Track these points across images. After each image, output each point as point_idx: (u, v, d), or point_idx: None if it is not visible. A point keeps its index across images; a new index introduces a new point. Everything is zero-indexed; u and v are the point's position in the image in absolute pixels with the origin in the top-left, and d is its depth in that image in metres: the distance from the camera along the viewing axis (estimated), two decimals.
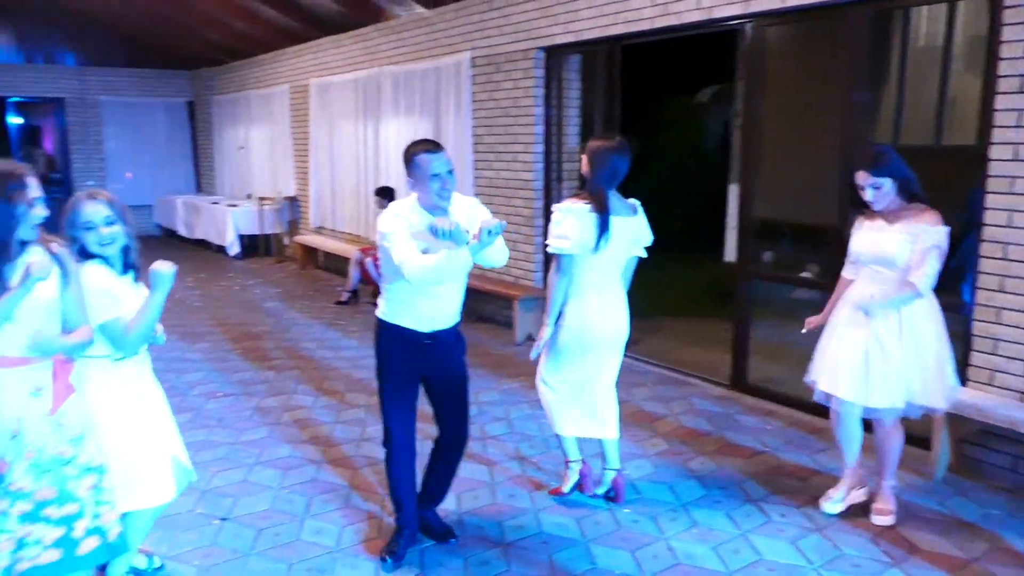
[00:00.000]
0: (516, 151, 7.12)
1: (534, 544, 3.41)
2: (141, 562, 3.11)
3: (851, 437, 3.56)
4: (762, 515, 3.65)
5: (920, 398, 3.42)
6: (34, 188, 2.42)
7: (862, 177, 3.35)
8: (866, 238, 3.44)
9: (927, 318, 3.39)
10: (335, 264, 10.06)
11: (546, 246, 3.67)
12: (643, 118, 15.80)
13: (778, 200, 6.19)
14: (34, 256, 2.37)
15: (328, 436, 4.61)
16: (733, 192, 6.08)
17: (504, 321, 7.27)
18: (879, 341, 3.36)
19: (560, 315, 3.60)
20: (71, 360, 2.48)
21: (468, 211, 3.16)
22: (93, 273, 2.64)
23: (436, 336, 3.18)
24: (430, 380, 3.29)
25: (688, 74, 14.51)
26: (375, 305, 3.33)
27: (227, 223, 11.54)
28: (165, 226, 14.15)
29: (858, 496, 3.70)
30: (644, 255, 3.72)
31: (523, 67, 6.94)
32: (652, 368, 6.05)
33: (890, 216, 3.37)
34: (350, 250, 9.00)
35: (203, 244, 12.60)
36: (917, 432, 3.98)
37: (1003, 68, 3.90)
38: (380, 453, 4.06)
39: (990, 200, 3.99)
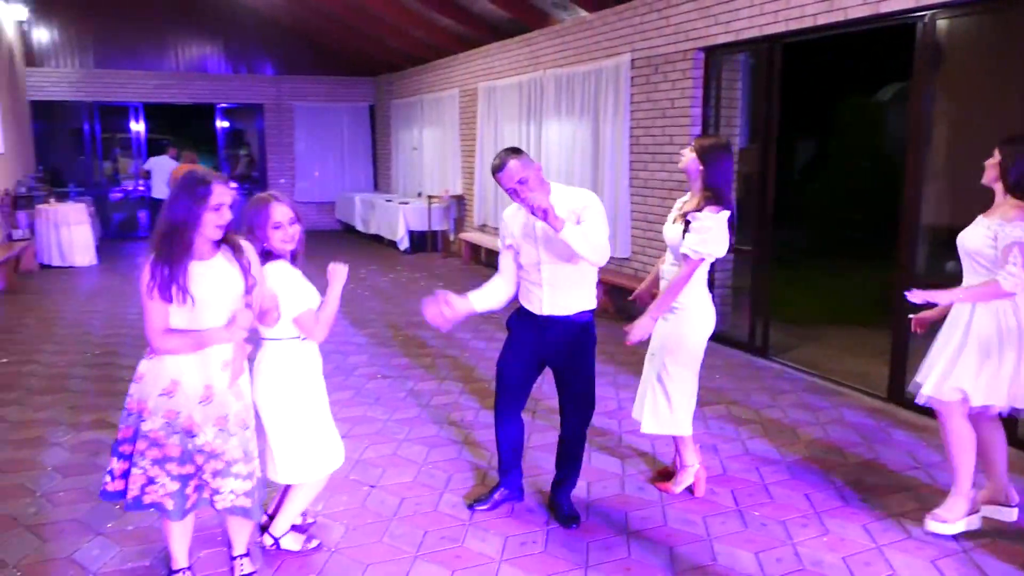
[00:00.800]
0: (671, 152, 7.11)
1: (657, 535, 3.47)
2: (298, 519, 3.48)
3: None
4: (902, 531, 3.50)
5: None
6: (220, 194, 2.71)
7: (996, 150, 3.27)
8: (965, 231, 3.34)
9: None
10: (496, 261, 10.43)
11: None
12: (818, 119, 15.14)
13: (960, 206, 5.80)
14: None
15: (472, 420, 4.88)
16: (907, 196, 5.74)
17: None
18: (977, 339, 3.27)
19: (681, 311, 3.66)
20: (246, 347, 2.85)
21: (570, 203, 3.29)
22: (281, 271, 3.02)
23: (549, 320, 3.41)
24: (550, 365, 3.51)
25: (868, 72, 13.76)
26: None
27: (399, 219, 12.27)
28: (344, 221, 15.24)
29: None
30: None
31: (682, 68, 6.93)
32: (803, 376, 5.87)
33: (988, 210, 3.29)
34: None
35: (377, 239, 13.46)
36: None
37: None
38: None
39: None
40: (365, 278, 10.12)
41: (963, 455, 3.41)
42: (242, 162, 17.25)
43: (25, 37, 13.50)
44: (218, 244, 2.77)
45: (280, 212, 3.00)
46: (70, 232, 11.14)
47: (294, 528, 3.36)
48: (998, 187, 3.30)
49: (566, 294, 3.40)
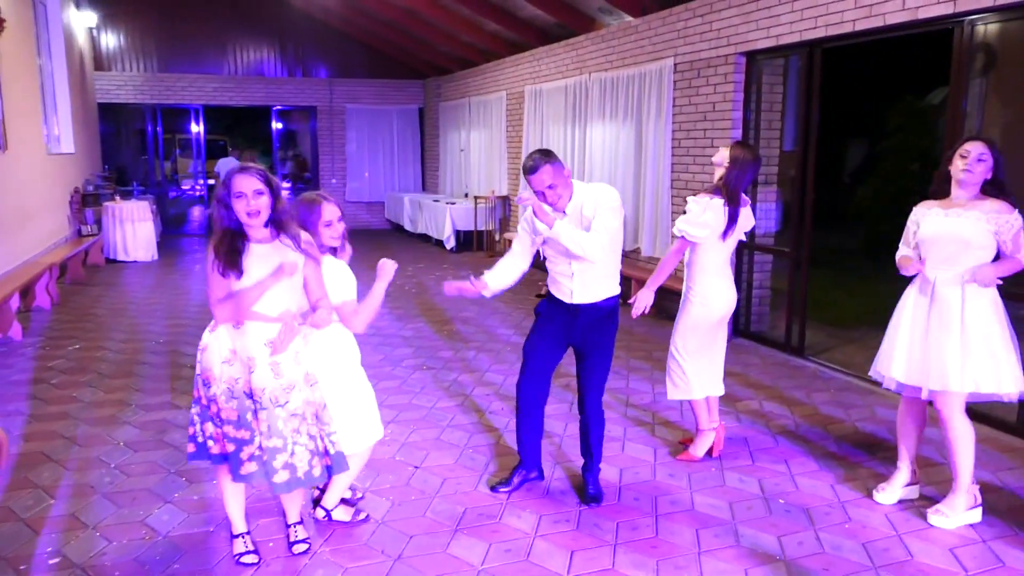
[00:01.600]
0: (712, 155, 7.23)
1: (684, 518, 3.65)
2: (347, 493, 3.75)
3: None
4: (923, 521, 3.62)
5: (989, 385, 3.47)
6: (327, 212, 3.22)
7: (979, 147, 3.47)
8: (944, 223, 3.53)
9: (992, 306, 3.51)
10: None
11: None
12: (870, 122, 15.00)
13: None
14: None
15: (512, 409, 5.10)
16: None
17: None
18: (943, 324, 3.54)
19: (689, 292, 4.13)
20: (297, 328, 3.09)
21: (590, 201, 3.57)
22: (328, 262, 3.29)
23: (579, 308, 3.67)
24: (575, 346, 3.78)
25: (920, 75, 13.61)
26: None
27: (446, 219, 12.58)
28: (393, 221, 15.62)
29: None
30: (745, 240, 4.47)
31: (723, 72, 7.06)
32: (838, 375, 5.97)
33: (967, 204, 3.51)
34: None
35: (424, 238, 13.80)
36: None
37: None
38: (554, 429, 4.51)
39: None
40: (412, 275, 10.43)
41: (966, 449, 3.56)
42: (292, 163, 17.79)
43: (94, 42, 14.18)
44: (277, 233, 3.04)
45: (329, 211, 3.27)
46: (134, 229, 11.70)
47: (344, 502, 3.63)
48: (976, 184, 3.53)
49: (595, 283, 3.65)
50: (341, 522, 3.55)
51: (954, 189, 3.57)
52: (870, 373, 3.94)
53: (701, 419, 4.28)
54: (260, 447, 3.04)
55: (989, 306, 3.51)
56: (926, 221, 3.61)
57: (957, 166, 3.51)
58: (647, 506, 3.78)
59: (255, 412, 3.02)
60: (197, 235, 15.09)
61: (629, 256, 8.92)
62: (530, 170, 3.51)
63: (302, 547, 3.32)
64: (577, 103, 9.78)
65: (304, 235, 3.12)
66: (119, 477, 4.07)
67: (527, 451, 3.91)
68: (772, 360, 6.43)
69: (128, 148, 16.61)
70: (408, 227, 14.42)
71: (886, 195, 13.19)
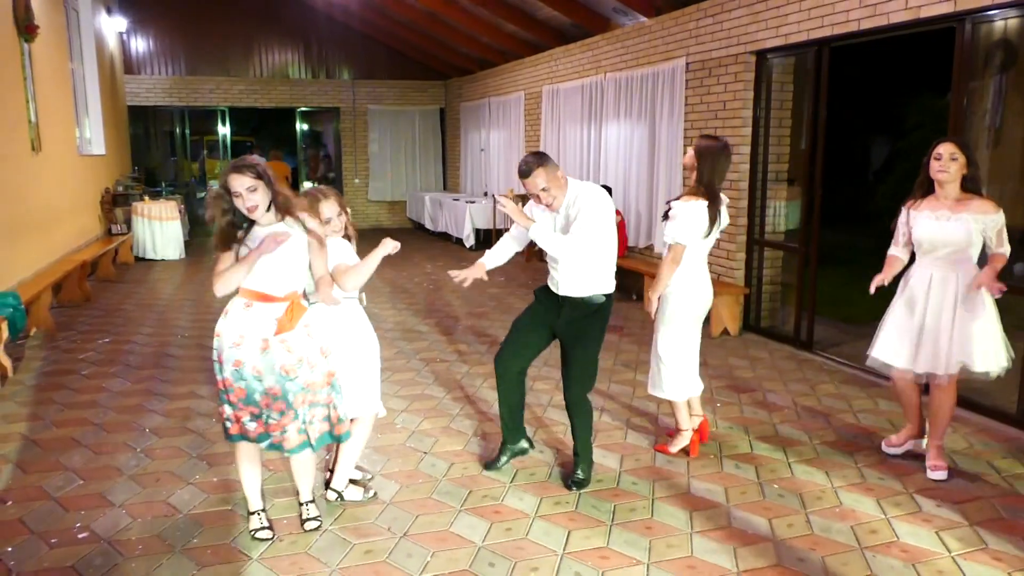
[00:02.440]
0: None
1: (680, 502, 3.79)
2: (356, 474, 3.94)
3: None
4: (914, 505, 3.73)
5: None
6: (326, 210, 3.43)
7: (949, 147, 3.73)
8: (935, 227, 3.80)
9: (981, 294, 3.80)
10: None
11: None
12: (888, 119, 14.96)
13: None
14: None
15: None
16: None
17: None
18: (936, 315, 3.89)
19: (668, 291, 4.17)
20: (303, 305, 3.29)
21: (576, 201, 3.73)
22: (335, 242, 3.49)
23: (565, 298, 3.85)
24: (559, 336, 3.93)
25: (938, 72, 13.56)
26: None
27: (465, 217, 12.77)
28: (414, 219, 15.85)
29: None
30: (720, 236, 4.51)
31: (734, 71, 7.16)
32: (844, 369, 6.06)
33: (954, 206, 3.75)
34: None
35: (445, 236, 14.00)
36: None
37: None
38: (563, 417, 4.66)
39: None
40: (431, 272, 10.63)
41: (951, 413, 4.08)
42: (321, 163, 18.06)
43: (124, 47, 14.56)
44: (283, 216, 3.24)
45: (328, 208, 3.50)
46: (162, 228, 12.03)
47: (354, 483, 3.81)
48: (955, 181, 3.79)
49: (580, 279, 3.80)
50: (351, 502, 3.74)
51: (937, 188, 3.86)
52: (869, 362, 4.19)
53: (681, 419, 4.32)
54: (272, 420, 3.25)
55: (978, 294, 3.80)
56: (919, 225, 3.91)
57: (934, 167, 3.80)
58: (645, 490, 3.92)
59: (263, 391, 3.23)
60: None
61: (643, 252, 9.05)
62: (524, 174, 3.67)
63: (313, 524, 3.51)
64: (593, 102, 9.91)
65: (310, 219, 3.32)
66: (144, 460, 4.29)
67: (506, 424, 4.08)
68: (780, 354, 6.53)
69: (158, 149, 17.01)
70: (429, 226, 14.64)
71: (904, 193, 13.15)
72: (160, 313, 8.18)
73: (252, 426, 3.28)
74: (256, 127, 19.91)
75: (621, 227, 8.71)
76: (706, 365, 6.15)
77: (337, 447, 3.74)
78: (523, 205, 4.04)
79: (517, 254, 4.26)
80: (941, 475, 4.01)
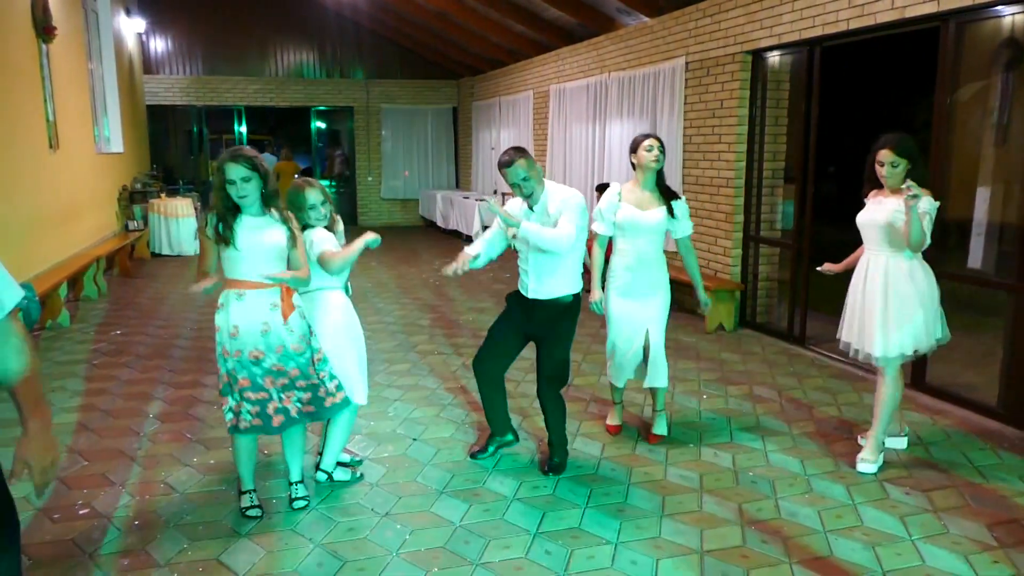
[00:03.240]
0: (720, 150, 7.46)
1: (655, 486, 3.93)
2: (345, 457, 4.11)
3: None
4: (882, 491, 3.84)
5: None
6: (311, 197, 3.63)
7: (885, 155, 3.86)
8: (871, 211, 3.99)
9: (914, 278, 3.96)
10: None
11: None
12: (894, 118, 14.91)
13: None
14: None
15: (512, 391, 5.41)
16: (980, 195, 5.95)
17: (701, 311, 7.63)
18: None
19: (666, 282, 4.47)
20: (294, 288, 3.48)
21: (558, 199, 3.88)
22: (320, 233, 3.67)
23: (535, 302, 4.01)
24: (533, 336, 4.11)
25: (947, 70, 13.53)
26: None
27: (474, 215, 12.93)
28: (426, 217, 16.04)
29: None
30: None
31: (730, 70, 7.27)
32: (834, 363, 6.15)
33: (894, 193, 3.91)
34: None
35: (455, 234, 14.17)
36: None
37: None
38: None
39: None
40: (439, 268, 10.77)
41: (894, 404, 4.08)
42: (338, 162, 18.30)
43: (143, 47, 14.88)
44: (266, 208, 3.43)
45: (313, 195, 3.68)
46: (178, 224, 12.30)
47: (342, 465, 3.99)
48: (899, 182, 3.92)
49: (549, 281, 3.96)
50: (339, 483, 3.91)
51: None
52: (842, 346, 4.33)
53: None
54: (277, 399, 3.44)
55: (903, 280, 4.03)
56: (864, 210, 4.13)
57: (879, 172, 3.96)
58: (622, 476, 4.06)
59: (264, 374, 3.41)
60: None
61: None
62: (506, 164, 3.83)
63: (301, 503, 3.68)
64: (598, 101, 10.03)
65: (288, 214, 3.50)
66: (147, 444, 4.49)
67: (491, 419, 4.24)
68: (773, 349, 6.63)
69: (177, 148, 17.34)
70: (440, 223, 14.82)
71: None
72: (172, 306, 8.42)
73: (259, 411, 3.44)
74: (273, 126, 20.22)
75: None
76: (699, 359, 6.30)
77: (326, 430, 3.92)
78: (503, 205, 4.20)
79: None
80: (866, 468, 4.06)
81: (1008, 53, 5.47)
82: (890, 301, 3.97)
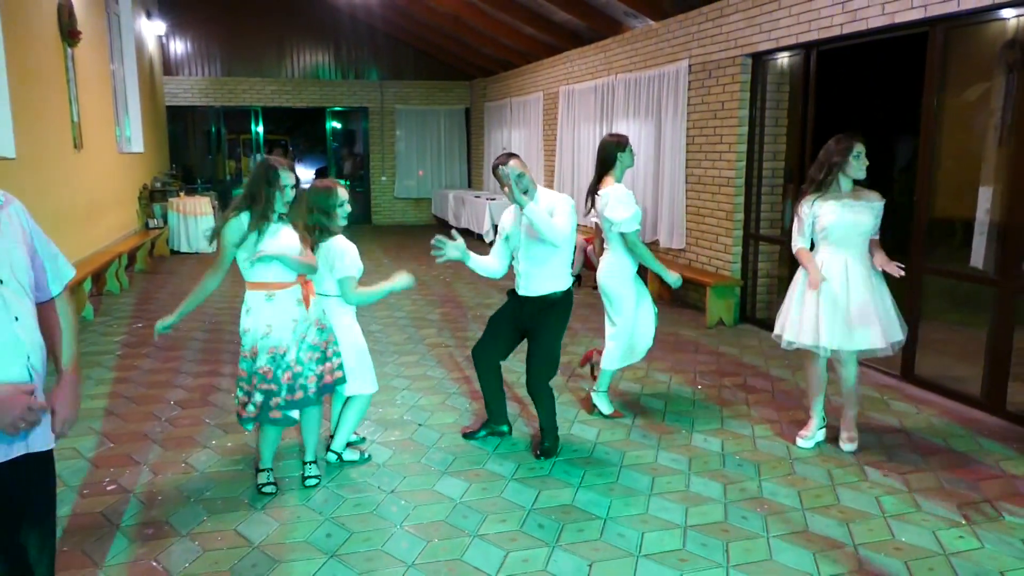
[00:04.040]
0: (721, 150, 7.66)
1: (646, 468, 4.16)
2: (355, 439, 4.37)
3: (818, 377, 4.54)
4: (861, 473, 4.05)
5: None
6: (343, 193, 3.91)
7: (862, 146, 4.12)
8: (844, 214, 4.15)
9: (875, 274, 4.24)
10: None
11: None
12: (900, 118, 15.00)
13: None
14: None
15: (514, 381, 5.65)
16: (983, 195, 6.08)
17: (702, 307, 7.85)
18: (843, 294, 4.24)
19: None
20: (309, 279, 3.75)
21: (549, 203, 4.11)
22: (342, 240, 3.92)
23: (526, 298, 4.27)
24: (525, 329, 4.34)
25: (955, 71, 13.64)
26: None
27: (484, 214, 13.18)
28: (439, 216, 16.31)
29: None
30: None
31: (731, 72, 7.47)
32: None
33: (851, 195, 4.17)
34: (579, 240, 10.03)
35: (467, 232, 14.43)
36: None
37: None
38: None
39: None
40: (448, 265, 11.05)
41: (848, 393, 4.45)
42: (354, 162, 18.59)
43: (163, 49, 15.24)
44: (280, 217, 3.69)
45: (343, 192, 3.96)
46: (196, 222, 12.63)
47: (351, 445, 4.25)
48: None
49: (539, 279, 4.23)
50: (348, 464, 4.17)
51: (843, 183, 4.23)
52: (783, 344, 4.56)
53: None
54: (288, 390, 3.70)
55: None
56: (825, 212, 4.22)
57: (855, 166, 4.13)
58: (615, 459, 4.29)
59: (284, 368, 3.68)
60: None
61: (649, 247, 9.35)
62: (501, 164, 4.07)
63: (313, 481, 3.94)
64: (605, 103, 10.25)
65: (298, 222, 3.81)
66: (168, 428, 4.77)
67: (489, 407, 4.52)
68: (771, 343, 6.80)
69: (196, 148, 17.71)
70: (452, 222, 15.07)
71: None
72: None
73: (262, 400, 3.69)
74: (290, 127, 20.56)
75: None
76: (697, 352, 6.51)
77: (340, 414, 4.18)
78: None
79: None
80: (851, 446, 4.40)
81: (1013, 53, 5.64)
82: (875, 293, 4.21)
